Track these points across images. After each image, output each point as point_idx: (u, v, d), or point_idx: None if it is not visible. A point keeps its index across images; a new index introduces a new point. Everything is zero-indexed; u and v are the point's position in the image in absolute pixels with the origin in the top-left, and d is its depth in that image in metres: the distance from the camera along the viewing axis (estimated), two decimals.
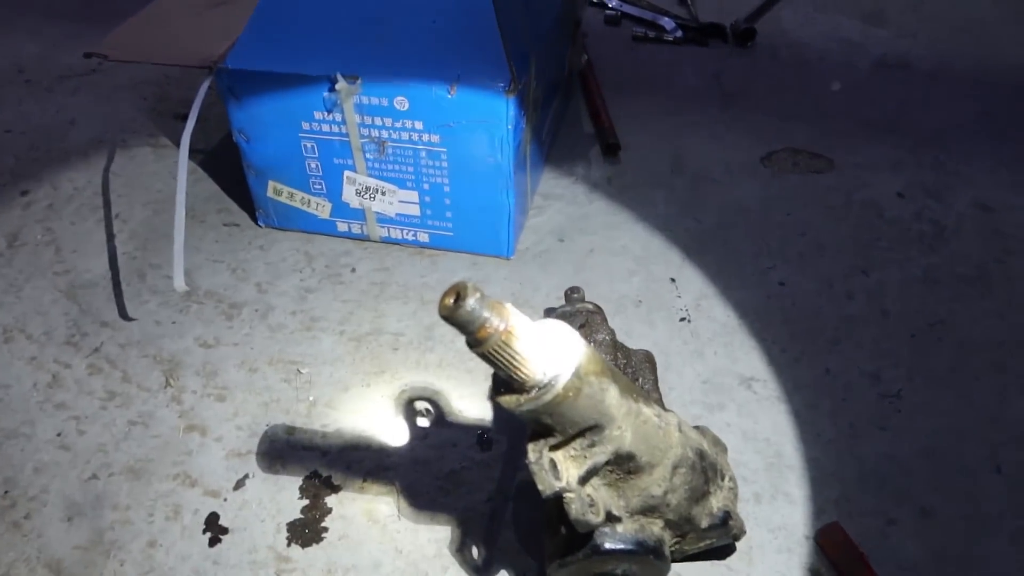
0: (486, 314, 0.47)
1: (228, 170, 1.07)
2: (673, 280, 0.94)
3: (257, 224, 1.02)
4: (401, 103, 0.85)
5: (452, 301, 0.47)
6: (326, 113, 0.87)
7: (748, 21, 1.39)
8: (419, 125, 0.86)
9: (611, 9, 1.44)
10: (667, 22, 1.40)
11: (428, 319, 0.89)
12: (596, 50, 1.34)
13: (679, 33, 1.38)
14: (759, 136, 1.16)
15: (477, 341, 0.48)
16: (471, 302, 0.46)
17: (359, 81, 0.84)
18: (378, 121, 0.87)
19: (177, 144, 1.16)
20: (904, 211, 1.04)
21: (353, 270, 0.96)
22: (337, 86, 0.84)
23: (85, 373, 0.84)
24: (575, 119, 1.21)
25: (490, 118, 0.84)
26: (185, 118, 0.87)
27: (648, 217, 1.03)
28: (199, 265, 0.97)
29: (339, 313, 0.90)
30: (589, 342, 0.70)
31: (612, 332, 0.73)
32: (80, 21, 1.51)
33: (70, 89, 1.31)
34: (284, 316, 0.90)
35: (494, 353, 0.48)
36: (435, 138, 0.87)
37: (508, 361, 0.49)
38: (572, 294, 0.80)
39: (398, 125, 0.87)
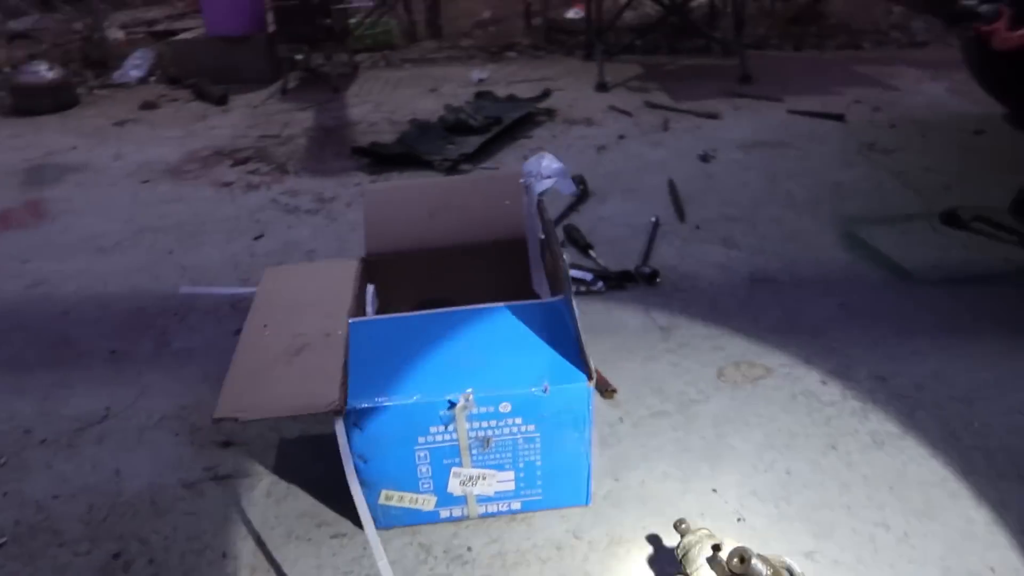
0: (763, 568, 0.74)
1: (315, 481, 1.21)
2: (715, 490, 1.21)
3: (361, 528, 1.16)
4: (505, 407, 1.08)
5: (739, 562, 0.73)
6: (443, 427, 1.08)
7: (644, 264, 1.78)
8: (519, 420, 1.09)
9: None
10: (588, 276, 1.75)
11: None
12: None
13: (600, 284, 1.73)
14: (702, 356, 1.51)
15: None
16: (755, 563, 0.73)
17: (471, 396, 1.06)
18: (485, 424, 1.08)
19: (233, 473, 1.26)
20: (832, 395, 1.40)
21: (469, 548, 1.13)
22: (458, 406, 1.05)
23: None
24: None
25: (575, 403, 1.09)
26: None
27: (652, 454, 1.31)
28: None
29: None
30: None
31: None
32: (55, 368, 1.57)
33: (93, 439, 1.38)
34: None
35: None
36: (531, 427, 1.10)
37: None
38: (680, 524, 1.04)
39: (502, 424, 1.09)
